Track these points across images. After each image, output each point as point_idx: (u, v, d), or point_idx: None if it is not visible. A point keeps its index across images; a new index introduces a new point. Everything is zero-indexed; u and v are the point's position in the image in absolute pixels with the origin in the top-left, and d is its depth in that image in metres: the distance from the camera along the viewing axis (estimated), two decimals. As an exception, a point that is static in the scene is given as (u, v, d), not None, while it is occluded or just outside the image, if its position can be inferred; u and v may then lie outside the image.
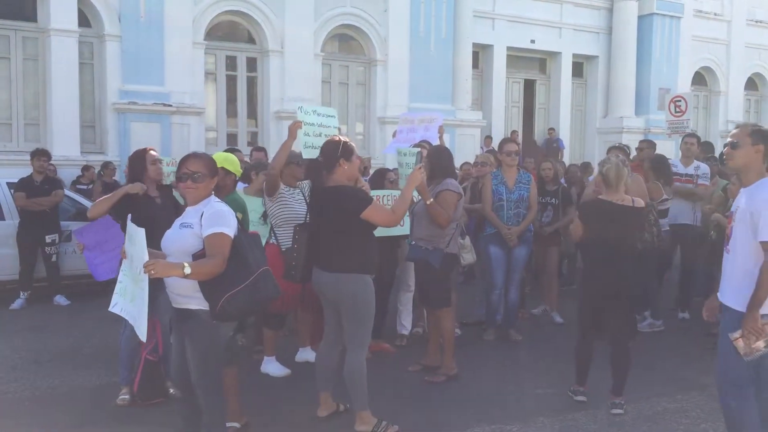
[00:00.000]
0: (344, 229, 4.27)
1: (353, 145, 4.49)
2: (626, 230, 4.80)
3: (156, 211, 4.75)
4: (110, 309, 3.65)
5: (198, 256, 3.49)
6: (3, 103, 11.54)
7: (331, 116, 5.60)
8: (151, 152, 4.99)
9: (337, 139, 4.50)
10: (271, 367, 5.63)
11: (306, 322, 5.96)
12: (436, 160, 5.60)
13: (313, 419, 4.63)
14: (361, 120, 14.94)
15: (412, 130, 7.50)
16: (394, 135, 7.83)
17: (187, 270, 3.31)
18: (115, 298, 3.65)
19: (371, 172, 8.51)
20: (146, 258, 3.24)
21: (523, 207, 6.56)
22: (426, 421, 4.66)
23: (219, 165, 4.52)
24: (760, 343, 3.50)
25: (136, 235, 3.35)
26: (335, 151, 4.37)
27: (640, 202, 4.90)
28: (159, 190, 5.02)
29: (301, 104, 5.52)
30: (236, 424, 4.40)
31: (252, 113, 13.95)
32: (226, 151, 6.26)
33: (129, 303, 3.52)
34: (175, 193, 5.10)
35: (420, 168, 4.46)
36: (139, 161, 4.90)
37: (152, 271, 3.22)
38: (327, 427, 4.53)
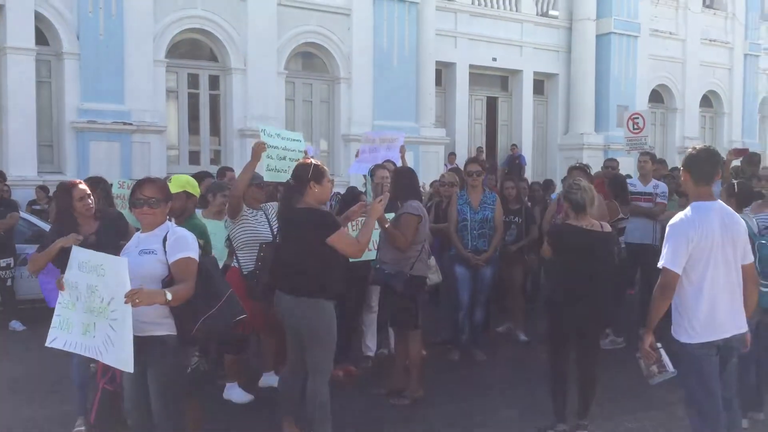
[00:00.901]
0: (308, 252, 4.22)
1: (325, 168, 4.43)
2: (599, 257, 4.71)
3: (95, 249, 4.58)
4: (48, 344, 3.55)
5: (166, 282, 3.51)
6: (-44, 122, 11.23)
7: (297, 140, 5.56)
8: (80, 186, 4.70)
9: (309, 161, 4.46)
10: (234, 393, 5.51)
11: (270, 347, 5.86)
12: (399, 182, 5.58)
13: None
14: (325, 137, 14.89)
15: (374, 149, 7.51)
16: (357, 155, 7.81)
17: (169, 296, 3.34)
18: (54, 332, 3.55)
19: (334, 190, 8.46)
20: (128, 287, 3.21)
21: (487, 227, 6.57)
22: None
23: (181, 188, 4.47)
24: (654, 368, 3.60)
25: (112, 266, 3.30)
26: (306, 174, 4.32)
27: (607, 227, 4.88)
28: (96, 220, 4.75)
29: (264, 127, 5.47)
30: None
31: (215, 131, 13.80)
32: (196, 175, 6.12)
33: (81, 335, 3.42)
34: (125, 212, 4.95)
35: (380, 200, 4.47)
36: (66, 196, 4.65)
37: (137, 300, 3.19)
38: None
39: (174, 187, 4.48)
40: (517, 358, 6.85)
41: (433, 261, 6.34)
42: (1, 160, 11.33)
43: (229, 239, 5.51)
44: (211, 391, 5.49)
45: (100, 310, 3.35)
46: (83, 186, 4.75)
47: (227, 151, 13.60)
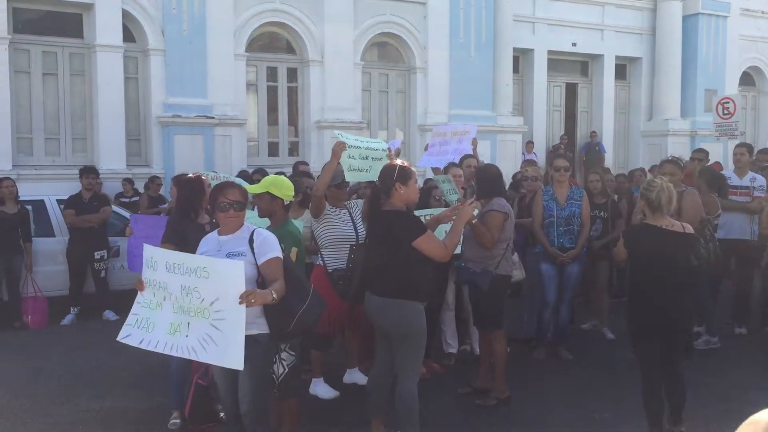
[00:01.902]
0: (396, 255, 4.19)
1: (412, 169, 4.37)
2: (677, 257, 4.49)
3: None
4: (120, 339, 3.66)
5: (260, 283, 3.61)
6: (51, 118, 11.73)
7: (377, 142, 5.54)
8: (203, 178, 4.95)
9: (395, 162, 4.44)
10: (320, 388, 5.58)
11: (353, 343, 5.89)
12: (484, 179, 5.48)
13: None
14: (401, 128, 14.85)
15: (444, 143, 7.41)
16: (426, 148, 7.74)
17: (275, 295, 3.45)
18: (128, 329, 3.63)
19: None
20: (243, 289, 3.34)
21: (574, 224, 6.39)
22: (480, 449, 4.54)
23: (264, 189, 4.46)
24: None
25: (224, 268, 3.41)
26: (392, 175, 4.28)
27: (690, 228, 4.63)
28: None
29: (341, 132, 5.44)
30: (288, 452, 4.37)
31: (293, 123, 13.96)
32: (292, 176, 6.17)
33: (167, 334, 3.51)
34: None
35: (471, 203, 4.39)
36: (197, 188, 4.87)
37: (252, 300, 3.33)
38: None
39: (259, 188, 4.49)
40: (604, 357, 6.67)
41: (516, 257, 6.22)
42: (92, 153, 11.80)
43: (313, 237, 5.55)
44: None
45: (198, 311, 3.43)
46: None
47: (305, 142, 13.75)
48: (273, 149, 13.74)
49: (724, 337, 7.07)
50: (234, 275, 3.37)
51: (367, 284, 4.41)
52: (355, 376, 5.83)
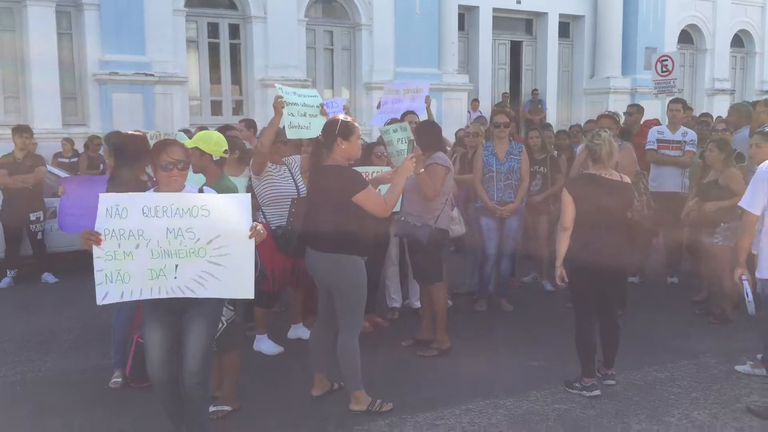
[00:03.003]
0: (336, 210, 4.20)
1: (355, 125, 4.35)
2: (617, 203, 4.68)
3: None
4: (100, 302, 3.44)
5: None
6: (-20, 76, 11.24)
7: (313, 96, 5.49)
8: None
9: (338, 117, 4.40)
10: (264, 344, 5.60)
11: (297, 299, 5.92)
12: (425, 135, 5.51)
13: (307, 399, 4.61)
14: (346, 86, 14.74)
15: (397, 100, 7.36)
16: (378, 106, 7.70)
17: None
18: (103, 288, 3.41)
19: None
20: (251, 222, 3.45)
21: (513, 178, 6.50)
22: (420, 398, 4.66)
23: (193, 144, 4.38)
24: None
25: (228, 204, 3.47)
26: (334, 130, 4.28)
27: (627, 179, 4.82)
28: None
29: (280, 86, 5.39)
30: (228, 408, 4.40)
31: (236, 81, 13.70)
32: (221, 128, 6.10)
33: (148, 280, 3.42)
34: None
35: (411, 158, 4.37)
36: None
37: (262, 233, 3.47)
38: (321, 407, 4.52)
39: (190, 143, 4.41)
40: (543, 309, 6.87)
41: (456, 212, 6.32)
42: (26, 112, 11.39)
43: (253, 195, 5.50)
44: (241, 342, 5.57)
45: (191, 251, 3.41)
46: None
47: (249, 101, 13.53)
48: (216, 108, 13.51)
49: (656, 287, 7.36)
50: (242, 209, 3.44)
51: (308, 239, 4.42)
52: (299, 332, 5.87)
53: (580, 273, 4.66)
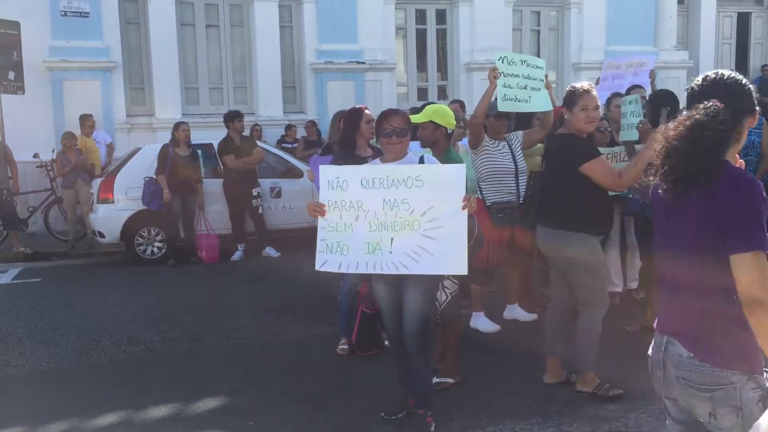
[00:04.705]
0: (569, 183, 4.00)
1: (584, 93, 4.05)
2: None
3: None
4: (319, 268, 3.59)
5: None
6: (214, 68, 12.36)
7: (540, 67, 5.32)
8: (366, 111, 4.99)
9: (577, 86, 4.15)
10: (481, 322, 5.59)
11: (513, 278, 5.83)
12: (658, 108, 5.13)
13: (529, 378, 4.49)
14: (554, 68, 14.29)
15: (618, 75, 7.08)
16: (597, 82, 7.38)
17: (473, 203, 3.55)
18: (322, 256, 3.56)
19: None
20: (464, 192, 3.37)
21: (753, 154, 5.93)
22: (652, 388, 4.35)
23: (427, 118, 4.44)
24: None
25: (443, 173, 3.46)
26: (567, 98, 4.11)
27: None
28: (370, 148, 5.05)
29: (505, 54, 5.26)
30: (451, 380, 4.43)
31: (441, 66, 13.84)
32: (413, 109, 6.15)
33: (366, 254, 3.49)
34: None
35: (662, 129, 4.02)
36: (355, 119, 4.92)
37: (473, 205, 3.40)
38: (546, 387, 4.38)
39: (422, 117, 4.49)
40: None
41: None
42: (252, 101, 12.36)
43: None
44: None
45: (406, 224, 3.42)
46: (369, 111, 4.97)
47: (454, 85, 13.61)
48: (422, 94, 13.72)
49: None
50: (457, 179, 3.39)
51: (539, 216, 4.28)
52: (515, 312, 5.79)
53: None
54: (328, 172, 3.61)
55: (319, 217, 3.59)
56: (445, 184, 3.40)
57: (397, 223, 3.44)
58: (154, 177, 8.58)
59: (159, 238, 8.80)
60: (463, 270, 3.42)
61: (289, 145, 11.17)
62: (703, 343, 2.07)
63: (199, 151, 8.95)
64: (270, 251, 8.89)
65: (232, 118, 8.95)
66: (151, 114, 11.69)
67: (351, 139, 4.91)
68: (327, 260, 3.58)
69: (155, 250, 8.79)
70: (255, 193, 8.83)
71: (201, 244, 8.72)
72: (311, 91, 12.53)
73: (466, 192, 3.43)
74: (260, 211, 8.90)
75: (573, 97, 4.10)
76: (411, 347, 3.72)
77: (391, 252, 3.46)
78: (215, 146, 9.06)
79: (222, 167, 8.92)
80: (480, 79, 12.17)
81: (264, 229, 8.98)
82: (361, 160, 4.71)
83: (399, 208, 3.44)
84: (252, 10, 12.07)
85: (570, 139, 4.09)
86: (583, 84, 4.20)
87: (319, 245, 3.59)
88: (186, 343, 5.61)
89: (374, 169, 3.62)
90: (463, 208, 3.35)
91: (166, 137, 9.22)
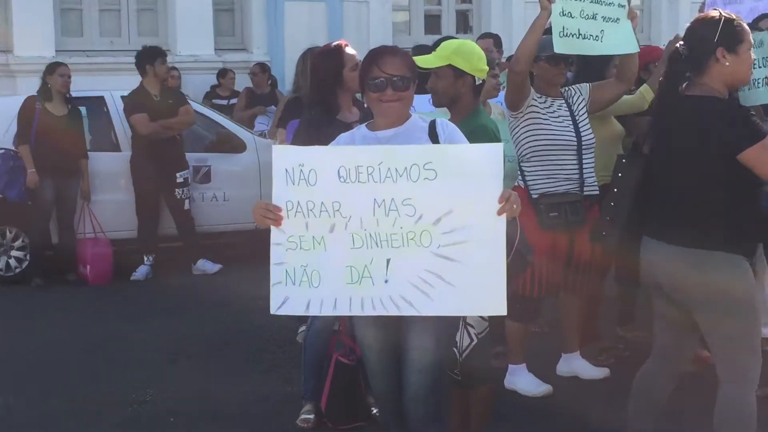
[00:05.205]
0: (708, 175, 3.90)
1: (745, 28, 3.97)
2: None
3: None
4: (274, 311, 3.46)
5: None
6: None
7: None
8: (348, 50, 5.00)
9: (715, 14, 4.01)
10: (522, 379, 5.62)
11: (573, 314, 5.86)
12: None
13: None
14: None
15: (731, 1, 7.18)
16: (701, 9, 7.51)
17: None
18: (280, 290, 3.43)
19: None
20: (501, 188, 3.25)
21: None
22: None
23: (445, 61, 4.44)
24: None
25: (478, 155, 3.36)
26: (710, 36, 3.92)
27: None
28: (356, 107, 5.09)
29: None
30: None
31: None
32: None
33: (345, 285, 3.39)
34: None
35: None
36: (333, 64, 4.93)
37: (515, 206, 3.25)
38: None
39: (436, 59, 4.47)
40: None
41: None
42: (165, 32, 12.42)
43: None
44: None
45: (410, 237, 3.32)
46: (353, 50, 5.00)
47: (482, 12, 13.78)
48: (432, 23, 13.79)
49: None
50: (490, 167, 3.26)
51: (647, 224, 4.22)
52: (575, 364, 5.85)
53: None
54: (284, 155, 3.50)
55: (273, 228, 3.45)
56: (471, 174, 3.28)
57: (396, 237, 3.33)
58: (12, 148, 8.59)
59: (19, 244, 8.82)
60: (500, 309, 3.36)
61: (224, 101, 11.21)
62: None
63: (83, 109, 8.96)
64: (205, 265, 8.96)
65: (152, 57, 9.00)
66: (7, 50, 11.66)
67: (328, 95, 4.93)
68: (288, 297, 3.45)
69: (12, 262, 8.81)
70: (180, 179, 8.87)
71: (85, 253, 8.75)
72: (258, 17, 12.54)
73: (504, 183, 3.32)
74: (186, 205, 8.95)
75: (741, 33, 3.96)
76: (415, 420, 3.71)
77: (387, 281, 3.36)
78: (108, 101, 9.05)
79: (130, 133, 8.91)
80: (524, 2, 12.25)
81: (193, 232, 9.07)
82: (346, 127, 4.63)
83: (399, 213, 3.31)
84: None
85: (718, 104, 3.92)
86: (734, 14, 4.06)
87: (275, 273, 3.44)
88: (52, 420, 5.50)
89: (360, 151, 3.49)
90: (500, 213, 3.24)
91: (32, 87, 9.20)
